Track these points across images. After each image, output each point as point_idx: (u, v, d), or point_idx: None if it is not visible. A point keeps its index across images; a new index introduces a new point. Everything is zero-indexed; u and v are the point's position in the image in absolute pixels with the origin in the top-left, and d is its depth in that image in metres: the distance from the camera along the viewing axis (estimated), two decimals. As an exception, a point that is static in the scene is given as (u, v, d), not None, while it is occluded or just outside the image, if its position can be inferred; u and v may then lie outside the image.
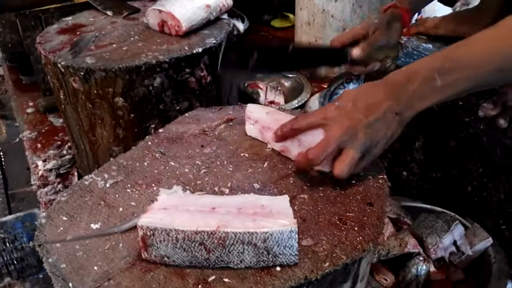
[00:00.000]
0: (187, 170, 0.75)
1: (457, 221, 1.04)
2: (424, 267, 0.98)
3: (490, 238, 1.02)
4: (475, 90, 0.70)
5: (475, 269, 1.02)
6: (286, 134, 0.73)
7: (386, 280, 1.01)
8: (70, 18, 1.31)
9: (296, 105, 1.56)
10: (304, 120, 0.70)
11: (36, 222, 1.29)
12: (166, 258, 0.57)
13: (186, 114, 0.91)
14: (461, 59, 0.66)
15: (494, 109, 0.97)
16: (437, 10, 1.82)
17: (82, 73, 1.02)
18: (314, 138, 0.69)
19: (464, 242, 1.03)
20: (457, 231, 1.03)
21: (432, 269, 1.01)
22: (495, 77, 0.68)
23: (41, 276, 1.16)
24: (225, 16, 1.24)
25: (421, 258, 0.99)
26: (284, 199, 0.63)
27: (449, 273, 1.02)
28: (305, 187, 0.71)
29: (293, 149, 0.74)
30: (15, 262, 1.16)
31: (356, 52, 0.94)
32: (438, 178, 1.18)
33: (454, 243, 1.03)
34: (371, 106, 0.66)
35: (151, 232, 0.56)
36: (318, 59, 0.96)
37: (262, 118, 0.80)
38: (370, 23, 1.00)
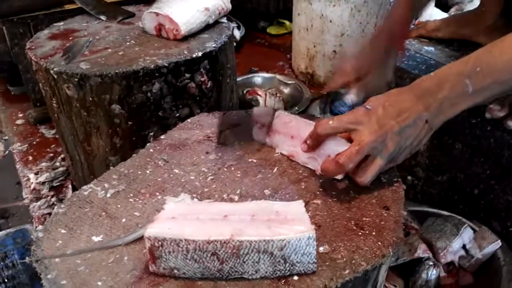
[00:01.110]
0: (193, 178, 0.72)
1: (466, 225, 1.02)
2: (434, 271, 0.96)
3: (499, 241, 1.00)
4: (503, 95, 0.70)
5: (485, 273, 1.00)
6: (314, 143, 0.71)
7: (396, 286, 0.99)
8: (61, 23, 1.27)
9: (297, 112, 1.54)
10: (331, 125, 0.68)
11: (28, 238, 1.25)
12: (176, 271, 0.54)
13: (189, 120, 0.88)
14: (493, 64, 0.64)
15: (501, 111, 0.97)
16: (434, 15, 1.82)
17: (76, 80, 0.98)
18: (336, 145, 0.68)
19: (474, 245, 1.01)
20: (467, 234, 1.01)
21: (442, 273, 0.99)
22: None
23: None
24: (224, 19, 1.22)
25: (431, 263, 0.97)
26: (299, 205, 0.60)
27: (459, 277, 1.00)
28: (318, 192, 0.68)
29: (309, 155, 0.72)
30: (6, 280, 1.11)
31: (352, 98, 0.93)
32: (443, 182, 1.16)
33: (463, 246, 1.01)
34: (401, 112, 0.65)
35: (160, 243, 0.53)
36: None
37: (270, 121, 0.77)
38: (362, 60, 0.94)
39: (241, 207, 0.60)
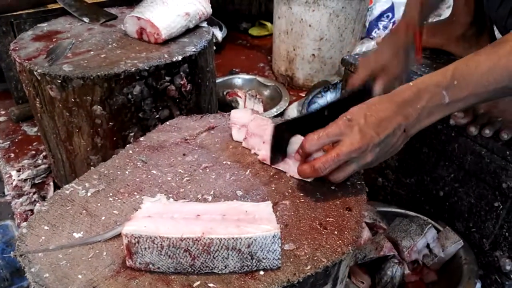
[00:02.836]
0: (169, 178, 0.76)
1: (430, 225, 1.07)
2: (399, 269, 1.01)
3: (461, 241, 1.06)
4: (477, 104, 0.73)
5: (447, 271, 1.05)
6: (303, 159, 0.72)
7: (363, 282, 1.03)
8: (45, 24, 1.29)
9: (275, 113, 1.58)
10: (318, 141, 0.70)
11: (9, 234, 1.27)
12: (151, 265, 0.58)
13: (167, 123, 0.91)
14: (469, 77, 0.67)
15: (464, 118, 1.01)
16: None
17: (59, 81, 1.01)
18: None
19: (437, 245, 1.06)
20: (430, 234, 1.06)
21: (407, 271, 1.04)
22: (501, 93, 0.69)
23: (15, 290, 1.13)
24: (204, 24, 1.25)
25: (396, 261, 1.02)
26: (267, 205, 0.64)
27: (423, 274, 1.05)
28: (287, 194, 0.73)
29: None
30: (-14, 275, 1.13)
31: (378, 89, 0.93)
32: (411, 184, 1.21)
33: (427, 246, 1.06)
34: (382, 122, 0.68)
35: (136, 239, 0.57)
36: (351, 105, 0.94)
37: (247, 123, 0.81)
38: (383, 55, 0.95)
39: (213, 207, 0.64)
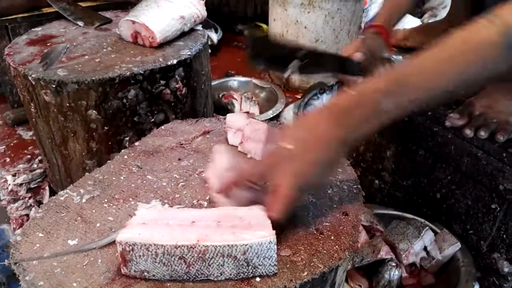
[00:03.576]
0: (165, 184, 0.75)
1: (427, 227, 1.07)
2: (397, 272, 1.01)
3: (459, 243, 1.06)
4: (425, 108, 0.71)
5: (445, 273, 1.05)
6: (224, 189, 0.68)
7: (361, 286, 1.03)
8: (39, 28, 1.29)
9: (271, 116, 1.58)
10: (247, 177, 0.66)
11: (5, 239, 1.26)
12: (146, 273, 0.58)
13: (162, 127, 0.91)
14: (409, 82, 0.63)
15: (460, 119, 1.01)
16: (406, 22, 1.88)
17: (54, 86, 1.00)
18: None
19: (434, 247, 1.06)
20: (427, 237, 1.06)
21: (404, 274, 1.04)
22: (437, 99, 0.66)
23: (9, 296, 1.12)
24: (199, 27, 1.25)
25: (393, 264, 1.02)
26: (260, 210, 0.63)
27: (420, 277, 1.05)
28: (282, 198, 0.72)
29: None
30: (-17, 279, 1.12)
31: (357, 56, 1.00)
32: (408, 186, 1.21)
33: (425, 248, 1.06)
34: (315, 140, 0.63)
35: (130, 247, 0.56)
36: (328, 65, 1.01)
37: (243, 127, 0.81)
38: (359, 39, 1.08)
39: (208, 213, 0.64)
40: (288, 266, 0.60)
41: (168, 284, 0.58)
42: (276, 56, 0.93)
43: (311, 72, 1.03)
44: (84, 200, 0.72)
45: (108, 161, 0.81)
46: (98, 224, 0.67)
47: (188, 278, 0.58)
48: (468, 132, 0.99)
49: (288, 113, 1.57)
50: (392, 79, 0.64)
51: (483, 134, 0.97)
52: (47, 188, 1.39)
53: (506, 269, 1.03)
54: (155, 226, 0.59)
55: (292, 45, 0.97)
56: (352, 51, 1.04)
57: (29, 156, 1.53)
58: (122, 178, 0.77)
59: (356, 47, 1.05)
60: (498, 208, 1.00)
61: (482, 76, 0.64)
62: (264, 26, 2.39)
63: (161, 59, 1.07)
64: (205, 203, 0.71)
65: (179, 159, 0.82)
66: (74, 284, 0.57)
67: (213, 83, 1.75)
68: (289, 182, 0.62)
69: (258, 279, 0.58)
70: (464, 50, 0.63)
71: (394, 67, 0.68)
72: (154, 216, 0.62)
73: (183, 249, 0.56)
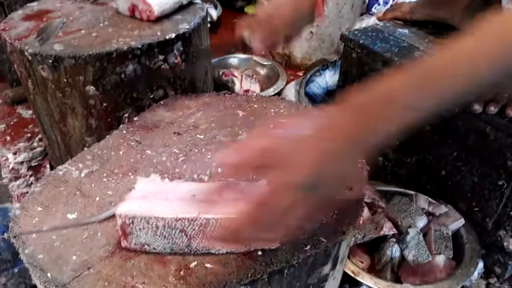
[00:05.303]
0: (164, 159, 0.74)
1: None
2: (398, 249, 1.00)
3: (463, 219, 1.05)
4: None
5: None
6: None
7: (362, 262, 1.03)
8: (35, 3, 1.26)
9: (272, 93, 1.56)
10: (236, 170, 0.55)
11: (8, 216, 1.26)
12: (146, 246, 0.57)
13: (161, 102, 0.90)
14: (442, 76, 0.55)
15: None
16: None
17: (51, 61, 0.98)
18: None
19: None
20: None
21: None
22: (484, 89, 0.57)
23: (16, 270, 1.13)
24: (198, 0, 1.22)
25: (395, 240, 1.01)
26: (262, 184, 0.62)
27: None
28: (285, 172, 0.71)
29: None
30: (-12, 257, 1.12)
31: (256, 46, 0.82)
32: (412, 163, 1.20)
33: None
34: (333, 132, 0.54)
35: (130, 220, 0.55)
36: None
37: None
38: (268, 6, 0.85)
39: (209, 186, 0.63)
40: (291, 240, 0.59)
41: (169, 257, 0.57)
42: None
43: None
44: (83, 175, 0.71)
45: (107, 136, 0.80)
46: (97, 198, 0.66)
47: (189, 251, 0.57)
48: (477, 108, 0.96)
49: (290, 91, 1.55)
50: (422, 73, 0.56)
51: (492, 109, 0.94)
52: (47, 166, 1.38)
53: (511, 247, 1.02)
54: (155, 200, 0.58)
55: None
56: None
57: (29, 135, 1.52)
58: (121, 153, 0.76)
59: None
60: (505, 185, 0.98)
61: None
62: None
63: (159, 33, 1.04)
64: (206, 178, 0.70)
65: (179, 134, 0.80)
66: (74, 257, 0.57)
67: (213, 60, 1.72)
68: (305, 169, 0.51)
69: (259, 252, 0.57)
70: (506, 41, 0.54)
71: (423, 59, 0.57)
72: (153, 190, 0.61)
73: (184, 222, 0.55)
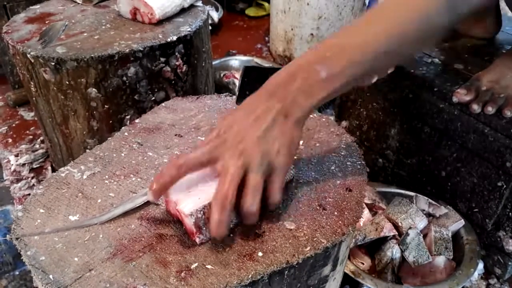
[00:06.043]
0: (165, 160, 0.74)
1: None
2: (399, 250, 1.01)
3: (462, 220, 1.05)
4: (361, 78, 0.62)
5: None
6: (163, 187, 0.59)
7: (363, 263, 1.03)
8: (37, 6, 1.27)
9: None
10: (188, 161, 0.58)
11: (10, 218, 1.27)
12: None
13: (163, 104, 0.90)
14: (344, 46, 0.59)
15: (467, 95, 0.99)
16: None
17: (53, 64, 0.99)
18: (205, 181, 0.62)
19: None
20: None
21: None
22: (381, 61, 0.62)
23: (17, 273, 1.13)
24: (199, 3, 1.23)
25: (395, 242, 1.02)
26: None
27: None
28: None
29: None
30: (-11, 259, 1.13)
31: None
32: (413, 164, 1.20)
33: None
34: (256, 118, 0.58)
35: (201, 212, 0.57)
36: None
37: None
38: None
39: None
40: (290, 241, 0.60)
41: (171, 258, 0.57)
42: None
43: None
44: (85, 177, 0.71)
45: (109, 138, 0.80)
46: (99, 200, 0.67)
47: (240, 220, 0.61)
48: (476, 107, 0.97)
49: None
50: (326, 45, 0.60)
51: (490, 109, 0.95)
52: (49, 168, 1.39)
53: (511, 247, 1.03)
54: (200, 188, 0.60)
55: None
56: None
57: (31, 137, 1.53)
58: (123, 154, 0.76)
59: None
60: (505, 186, 0.99)
61: (426, 32, 0.62)
62: (265, 4, 2.36)
63: (160, 36, 1.05)
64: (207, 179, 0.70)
65: (180, 136, 0.80)
66: (76, 259, 0.57)
67: (214, 62, 1.73)
68: (233, 164, 0.56)
69: (260, 253, 0.58)
70: (403, 4, 0.61)
71: (331, 35, 0.62)
72: (186, 183, 0.60)
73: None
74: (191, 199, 0.58)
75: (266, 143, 0.57)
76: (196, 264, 0.56)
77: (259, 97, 0.60)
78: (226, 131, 0.58)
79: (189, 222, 0.58)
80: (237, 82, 1.62)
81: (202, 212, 0.57)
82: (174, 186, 0.60)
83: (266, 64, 1.79)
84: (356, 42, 0.60)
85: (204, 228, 0.59)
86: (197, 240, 0.59)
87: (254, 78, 0.81)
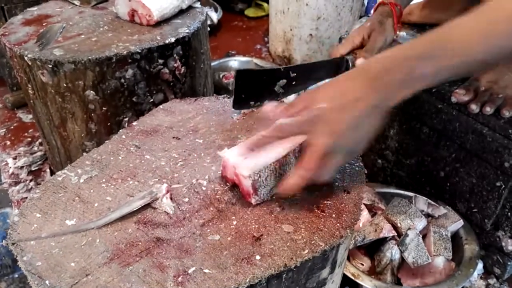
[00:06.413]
0: (163, 163, 0.74)
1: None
2: (398, 251, 1.00)
3: (461, 220, 1.05)
4: (454, 78, 0.67)
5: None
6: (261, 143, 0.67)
7: (363, 264, 1.03)
8: (35, 8, 1.26)
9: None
10: (284, 128, 0.65)
11: (8, 221, 1.27)
12: (271, 192, 0.66)
13: (161, 106, 0.90)
14: (447, 47, 0.60)
15: (466, 95, 0.99)
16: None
17: (50, 66, 0.99)
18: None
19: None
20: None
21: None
22: (477, 66, 0.65)
23: (16, 275, 1.13)
24: (197, 4, 1.22)
25: (395, 242, 1.01)
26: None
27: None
28: (283, 177, 0.71)
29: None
30: (-12, 262, 1.13)
31: (359, 62, 0.92)
32: (412, 165, 1.20)
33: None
34: (351, 104, 0.61)
35: (258, 174, 0.63)
36: (321, 73, 0.93)
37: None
38: (364, 27, 1.02)
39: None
40: (288, 244, 0.59)
41: (168, 263, 0.57)
42: (263, 84, 0.85)
43: (305, 87, 0.92)
44: (82, 180, 0.71)
45: (106, 141, 0.80)
46: (96, 204, 0.66)
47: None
48: (474, 108, 0.97)
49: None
50: (428, 42, 0.62)
51: (488, 110, 0.95)
52: (47, 170, 1.39)
53: (510, 247, 1.03)
54: (256, 154, 0.65)
55: (277, 68, 0.87)
56: (344, 51, 0.99)
57: (29, 139, 1.53)
58: (120, 158, 0.76)
59: (349, 46, 0.99)
60: (503, 186, 0.98)
61: None
62: (265, 4, 2.36)
63: (158, 38, 1.05)
64: (205, 182, 0.70)
65: (178, 138, 0.80)
66: (72, 264, 0.57)
67: (213, 63, 1.72)
68: (324, 142, 0.61)
69: (258, 257, 0.58)
70: (499, 19, 0.60)
71: (430, 32, 0.63)
72: (240, 151, 0.67)
73: (290, 156, 0.64)
74: (247, 163, 0.64)
75: (356, 131, 0.62)
76: (193, 268, 0.56)
77: (354, 80, 0.63)
78: (323, 110, 0.61)
79: (246, 184, 0.63)
80: (235, 84, 1.61)
81: (258, 175, 0.63)
82: (231, 152, 0.67)
83: (266, 65, 1.78)
84: (456, 47, 0.60)
85: (260, 190, 0.64)
86: (253, 200, 0.65)
87: (247, 80, 0.81)
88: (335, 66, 0.96)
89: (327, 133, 0.61)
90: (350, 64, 0.96)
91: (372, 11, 1.10)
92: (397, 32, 1.11)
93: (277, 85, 0.85)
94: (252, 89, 0.79)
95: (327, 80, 0.81)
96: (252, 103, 0.85)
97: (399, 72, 0.61)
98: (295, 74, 0.85)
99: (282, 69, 0.85)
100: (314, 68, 0.91)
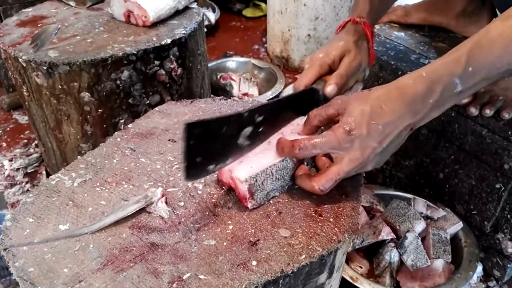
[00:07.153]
0: (159, 167, 0.73)
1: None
2: (397, 253, 0.99)
3: (461, 223, 1.04)
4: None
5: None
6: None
7: (361, 267, 1.02)
8: (30, 9, 1.25)
9: (270, 96, 1.55)
10: (311, 151, 0.64)
11: (0, 226, 1.26)
12: (268, 195, 0.65)
13: (157, 108, 0.89)
14: (483, 60, 0.59)
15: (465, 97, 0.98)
16: (407, -1, 1.83)
17: (45, 68, 0.98)
18: None
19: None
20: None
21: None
22: (508, 75, 0.62)
23: (13, 278, 1.12)
24: (194, 5, 1.21)
25: (393, 245, 1.00)
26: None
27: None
28: (280, 180, 0.70)
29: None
30: (-15, 264, 1.12)
31: (330, 91, 0.78)
32: (411, 166, 1.19)
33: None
34: (387, 128, 0.61)
35: (254, 179, 0.62)
36: (290, 112, 0.76)
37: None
38: (334, 47, 0.84)
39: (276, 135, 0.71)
40: (285, 249, 0.58)
41: (162, 269, 0.56)
42: (223, 139, 0.63)
43: (273, 133, 0.72)
44: (76, 184, 0.70)
45: (101, 144, 0.79)
46: (90, 209, 0.65)
47: (291, 183, 0.68)
48: (473, 110, 0.96)
49: (287, 93, 1.54)
50: (467, 56, 0.59)
51: (488, 112, 0.94)
52: (43, 172, 1.37)
53: (510, 250, 1.02)
54: (253, 158, 0.66)
55: (238, 113, 0.63)
56: (309, 81, 0.81)
57: (25, 141, 1.52)
58: (115, 161, 0.75)
59: (314, 73, 0.81)
60: (503, 188, 0.98)
61: None
62: (262, 4, 2.35)
63: (154, 39, 1.04)
64: (200, 186, 0.69)
65: (174, 141, 0.79)
66: (65, 270, 0.56)
67: (211, 64, 1.72)
68: (350, 170, 0.63)
69: (254, 262, 0.57)
70: None
71: (459, 46, 0.61)
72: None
73: (287, 160, 0.65)
74: (243, 167, 0.64)
75: (381, 155, 0.64)
76: (188, 274, 0.55)
77: (393, 104, 0.62)
78: (355, 136, 0.62)
79: (243, 188, 0.63)
80: (234, 84, 1.61)
81: (255, 179, 0.63)
82: None
83: (263, 65, 1.77)
84: (496, 57, 0.59)
85: (256, 194, 0.64)
86: (249, 205, 0.64)
87: (202, 137, 0.59)
88: (304, 100, 0.79)
89: (354, 161, 0.63)
90: (321, 94, 0.79)
91: (336, 30, 0.92)
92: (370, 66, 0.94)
93: (241, 136, 0.65)
94: (209, 148, 0.60)
95: (298, 120, 0.74)
96: (211, 167, 0.63)
97: (439, 93, 0.60)
98: (262, 117, 0.66)
99: (245, 114, 0.64)
100: (283, 107, 0.74)
